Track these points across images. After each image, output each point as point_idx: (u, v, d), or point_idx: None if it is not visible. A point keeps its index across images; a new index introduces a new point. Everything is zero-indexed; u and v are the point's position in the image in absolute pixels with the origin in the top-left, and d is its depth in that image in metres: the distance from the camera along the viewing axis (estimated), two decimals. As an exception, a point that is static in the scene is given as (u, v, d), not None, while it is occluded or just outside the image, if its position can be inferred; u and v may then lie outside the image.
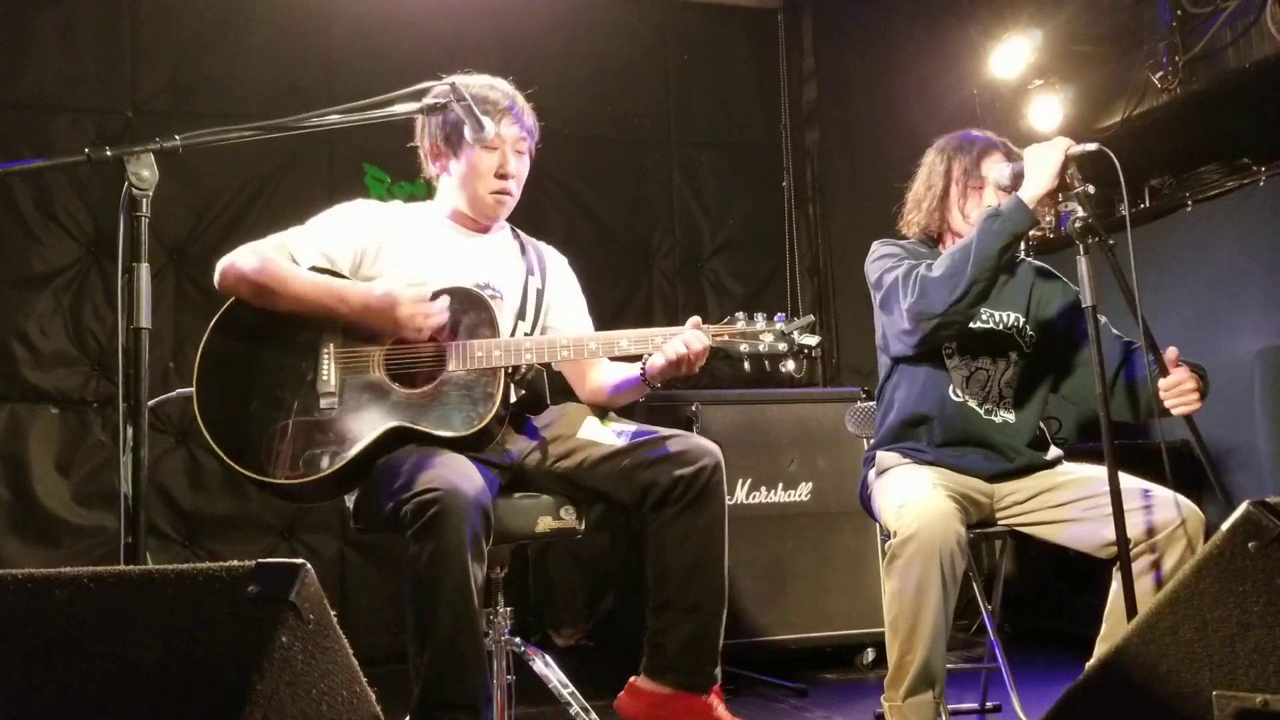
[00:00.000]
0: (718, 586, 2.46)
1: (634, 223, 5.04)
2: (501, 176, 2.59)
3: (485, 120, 2.40)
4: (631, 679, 2.49)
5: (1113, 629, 2.53)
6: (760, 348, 2.41)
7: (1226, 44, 3.95)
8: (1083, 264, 2.46)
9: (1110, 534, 2.57)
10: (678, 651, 2.44)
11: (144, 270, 1.96)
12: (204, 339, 2.41)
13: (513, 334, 2.63)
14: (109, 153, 1.97)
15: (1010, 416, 2.84)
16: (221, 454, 2.32)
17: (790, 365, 2.43)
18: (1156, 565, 2.47)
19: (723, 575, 2.46)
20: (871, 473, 2.90)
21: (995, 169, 2.79)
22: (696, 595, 2.43)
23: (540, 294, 2.73)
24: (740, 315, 2.44)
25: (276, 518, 4.32)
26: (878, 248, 2.91)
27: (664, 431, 2.51)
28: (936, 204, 2.88)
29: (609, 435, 2.52)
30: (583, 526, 2.58)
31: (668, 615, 2.45)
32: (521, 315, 2.68)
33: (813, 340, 2.42)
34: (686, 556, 2.43)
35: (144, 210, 1.97)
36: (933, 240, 2.95)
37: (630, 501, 2.49)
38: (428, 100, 2.34)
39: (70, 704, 1.25)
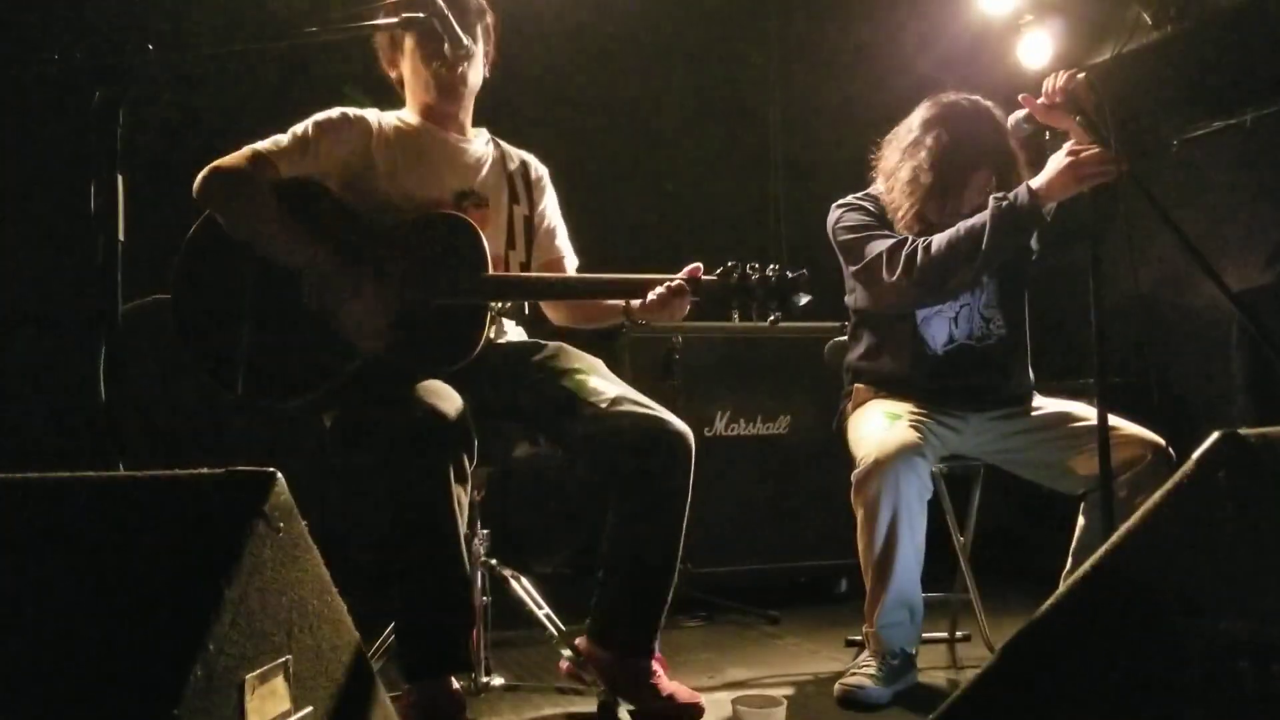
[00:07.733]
0: (667, 568, 2.44)
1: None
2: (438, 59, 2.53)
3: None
4: (577, 641, 2.51)
5: (1077, 565, 2.56)
6: (753, 307, 2.37)
7: (1220, -18, 3.91)
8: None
9: (1080, 469, 2.61)
10: (619, 623, 2.45)
11: (119, 183, 1.94)
12: (183, 249, 2.39)
13: (504, 256, 2.61)
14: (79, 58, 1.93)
15: (1003, 330, 2.84)
16: (200, 367, 2.32)
17: (774, 316, 2.38)
18: (1124, 500, 2.49)
19: (674, 558, 2.44)
20: (849, 405, 2.93)
21: (1012, 123, 2.66)
22: (644, 575, 2.43)
23: (528, 220, 2.70)
24: (734, 265, 2.38)
25: (256, 438, 4.30)
26: (845, 215, 2.85)
27: (642, 406, 2.44)
28: (920, 203, 2.77)
29: (597, 384, 2.47)
30: (560, 454, 2.58)
31: (615, 583, 2.45)
32: (511, 245, 2.65)
33: (804, 299, 2.36)
34: (640, 536, 2.42)
35: (119, 120, 1.93)
36: (889, 223, 2.85)
37: (593, 469, 2.46)
38: (406, 14, 2.32)
39: (35, 607, 1.25)
